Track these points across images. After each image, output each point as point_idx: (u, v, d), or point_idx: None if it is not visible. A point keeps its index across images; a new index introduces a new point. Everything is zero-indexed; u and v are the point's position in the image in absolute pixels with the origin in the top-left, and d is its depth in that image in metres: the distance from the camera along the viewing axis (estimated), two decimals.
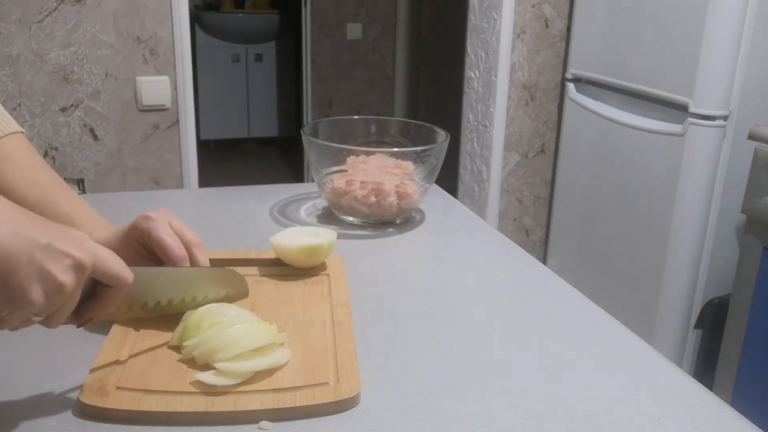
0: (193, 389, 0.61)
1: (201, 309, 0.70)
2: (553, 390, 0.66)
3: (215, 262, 0.88)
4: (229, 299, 0.76)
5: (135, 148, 2.11)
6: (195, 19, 4.45)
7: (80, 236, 0.55)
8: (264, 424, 0.59)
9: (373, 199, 1.05)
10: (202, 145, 4.28)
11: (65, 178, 2.05)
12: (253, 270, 0.87)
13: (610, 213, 2.12)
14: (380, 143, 1.19)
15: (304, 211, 1.15)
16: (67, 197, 0.78)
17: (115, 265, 0.57)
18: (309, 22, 3.82)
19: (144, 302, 0.68)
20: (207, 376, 0.62)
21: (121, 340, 0.68)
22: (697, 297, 1.87)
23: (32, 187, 0.77)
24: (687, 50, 1.77)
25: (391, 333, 0.76)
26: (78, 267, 0.53)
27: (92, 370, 0.63)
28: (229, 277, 0.78)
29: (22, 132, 0.82)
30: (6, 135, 0.79)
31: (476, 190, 2.60)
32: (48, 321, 0.55)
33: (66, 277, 0.52)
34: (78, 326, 0.60)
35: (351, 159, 1.06)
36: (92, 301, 0.58)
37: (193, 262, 0.74)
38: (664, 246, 1.88)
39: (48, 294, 0.52)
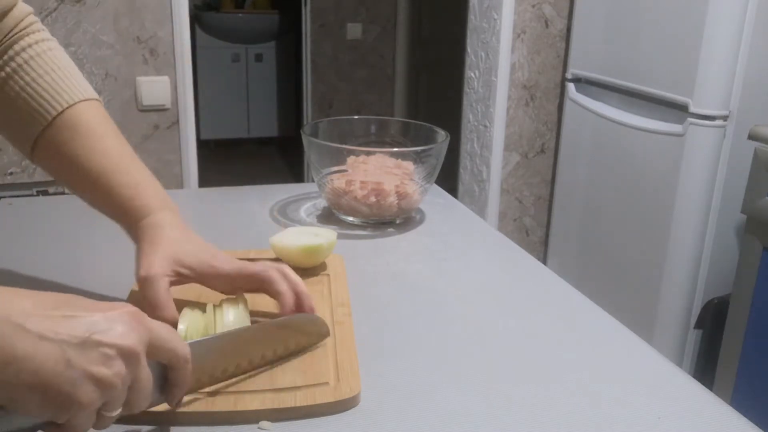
0: (193, 389, 0.61)
1: (200, 315, 0.69)
2: (552, 390, 0.66)
3: None
4: (308, 344, 0.69)
5: (135, 148, 2.09)
6: (195, 19, 4.45)
7: (128, 316, 0.50)
8: (264, 424, 0.59)
9: (373, 199, 1.05)
10: (202, 145, 4.28)
11: None
12: None
13: (610, 213, 2.12)
14: (380, 143, 1.19)
15: (304, 211, 1.14)
16: (134, 170, 0.76)
17: (171, 342, 0.53)
18: (309, 22, 3.82)
19: (210, 373, 0.61)
20: None
21: None
22: (697, 297, 1.87)
23: (97, 157, 0.74)
24: (687, 50, 1.77)
25: (391, 333, 0.76)
26: (125, 355, 0.48)
27: None
28: (307, 322, 0.70)
29: (98, 100, 0.78)
30: (78, 102, 0.75)
31: (476, 190, 2.60)
32: (127, 409, 0.51)
33: (112, 371, 0.47)
34: (175, 408, 0.57)
35: (351, 159, 1.06)
36: (167, 386, 0.55)
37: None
38: (664, 246, 1.88)
39: (101, 390, 0.47)
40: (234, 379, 0.63)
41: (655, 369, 0.71)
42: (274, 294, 0.71)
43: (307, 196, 1.21)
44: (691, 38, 1.76)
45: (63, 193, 2.05)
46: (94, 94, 0.78)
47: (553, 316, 0.81)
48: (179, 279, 0.71)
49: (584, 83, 2.26)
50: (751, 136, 1.60)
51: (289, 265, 0.86)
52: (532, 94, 2.47)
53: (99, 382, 0.47)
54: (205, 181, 2.33)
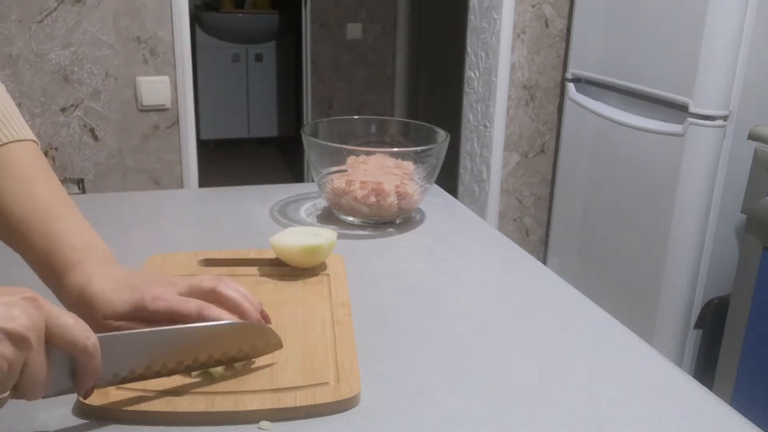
0: (193, 389, 0.61)
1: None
2: (552, 390, 0.66)
3: (215, 262, 0.88)
4: (254, 354, 0.66)
5: (135, 148, 2.11)
6: (195, 19, 4.45)
7: (24, 300, 0.50)
8: (264, 424, 0.59)
9: (373, 199, 1.05)
10: (202, 145, 4.28)
11: (65, 178, 2.05)
12: (253, 270, 0.87)
13: (610, 213, 2.12)
14: (380, 143, 1.19)
15: (304, 211, 1.14)
16: (60, 217, 0.67)
17: (71, 330, 0.52)
18: (309, 22, 3.82)
19: (131, 368, 0.59)
20: None
21: None
22: (697, 297, 1.87)
23: (23, 200, 0.67)
24: (687, 50, 1.77)
25: (391, 333, 0.76)
26: (12, 337, 0.47)
27: None
28: (251, 332, 0.66)
29: (34, 141, 0.72)
30: (11, 142, 0.70)
31: (476, 190, 2.60)
32: (20, 395, 0.51)
33: None
34: (83, 398, 0.57)
35: (351, 159, 1.06)
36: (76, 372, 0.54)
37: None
38: (664, 246, 1.88)
39: None
40: (233, 380, 0.63)
41: (655, 369, 0.71)
42: (231, 309, 0.67)
43: (307, 196, 1.21)
44: (691, 38, 1.76)
45: None
46: (31, 135, 0.72)
47: (553, 316, 0.81)
48: (126, 326, 0.65)
49: (584, 83, 2.26)
50: (751, 136, 1.60)
51: (289, 265, 0.87)
52: (532, 94, 2.47)
53: None
54: (205, 181, 2.33)
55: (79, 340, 0.52)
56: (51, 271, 0.66)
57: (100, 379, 0.56)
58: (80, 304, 0.64)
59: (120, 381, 0.58)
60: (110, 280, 0.65)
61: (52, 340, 0.51)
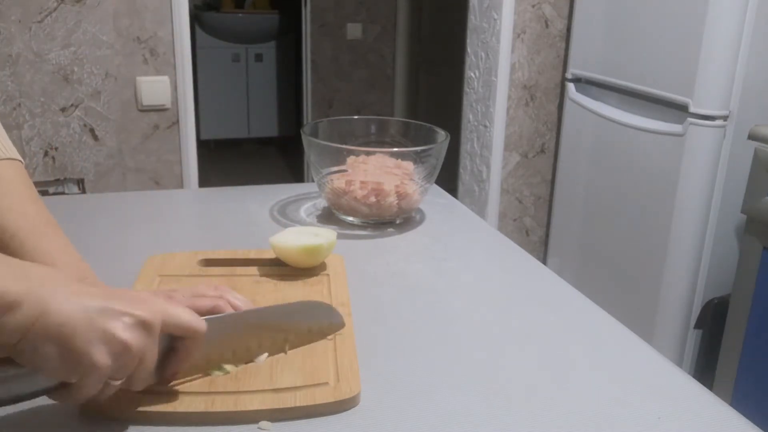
0: (193, 389, 0.61)
1: None
2: (552, 390, 0.66)
3: (215, 262, 0.88)
4: (321, 334, 0.70)
5: (135, 148, 2.11)
6: (195, 19, 4.45)
7: (145, 296, 0.56)
8: (264, 424, 0.59)
9: (373, 199, 1.05)
10: (202, 145, 4.28)
11: (65, 178, 2.05)
12: (253, 270, 0.87)
13: (610, 213, 2.12)
14: (380, 143, 1.19)
15: (304, 211, 1.14)
16: (51, 237, 0.70)
17: (185, 317, 0.57)
18: (309, 22, 3.82)
19: (221, 352, 0.64)
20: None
21: None
22: (697, 297, 1.87)
23: (16, 218, 0.69)
24: (687, 50, 1.77)
25: (391, 333, 0.76)
26: (142, 324, 0.53)
27: None
28: (319, 310, 0.72)
29: (21, 161, 0.75)
30: (2, 159, 0.72)
31: (476, 190, 2.60)
32: (129, 383, 0.55)
33: (129, 335, 0.52)
34: (163, 384, 0.60)
35: (351, 159, 1.06)
36: (172, 356, 0.58)
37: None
38: (664, 246, 1.88)
39: (115, 356, 0.52)
40: (233, 380, 0.63)
41: (655, 369, 0.71)
42: None
43: (307, 196, 1.21)
44: (691, 38, 1.76)
45: (62, 193, 2.05)
46: (17, 155, 0.75)
47: (553, 316, 0.81)
48: None
49: (584, 83, 2.26)
50: (751, 136, 1.60)
51: (289, 265, 0.87)
52: (532, 94, 2.47)
53: (115, 346, 0.51)
54: (205, 181, 2.33)
55: (196, 324, 0.58)
56: None
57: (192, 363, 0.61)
58: None
59: (208, 366, 0.63)
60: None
61: (168, 328, 0.56)
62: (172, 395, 0.60)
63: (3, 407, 0.54)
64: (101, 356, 0.51)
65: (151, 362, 0.55)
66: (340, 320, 0.72)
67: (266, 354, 0.66)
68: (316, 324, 0.70)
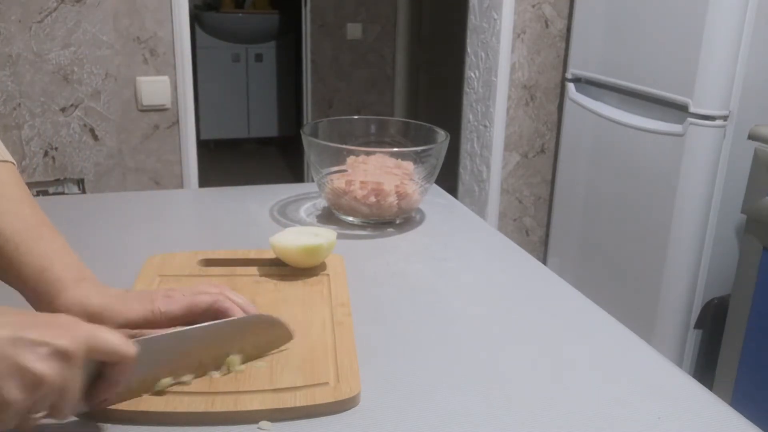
0: (193, 389, 0.61)
1: None
2: (552, 390, 0.66)
3: (215, 262, 0.88)
4: (267, 348, 0.68)
5: (135, 148, 2.11)
6: (195, 19, 4.45)
7: (67, 321, 0.52)
8: (264, 424, 0.59)
9: (373, 199, 1.05)
10: (202, 145, 4.28)
11: (65, 178, 2.05)
12: (253, 270, 0.87)
13: (610, 213, 2.12)
14: (380, 143, 1.19)
15: (304, 211, 1.14)
16: (47, 239, 0.68)
17: (113, 341, 0.54)
18: (309, 22, 3.82)
19: (156, 373, 0.60)
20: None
21: None
22: (697, 297, 1.87)
23: (11, 220, 0.67)
24: (687, 50, 1.77)
25: (391, 333, 0.76)
26: (60, 354, 0.49)
27: None
28: (264, 325, 0.68)
29: (13, 163, 0.73)
30: None
31: (476, 190, 2.60)
32: (54, 413, 0.51)
33: (43, 367, 0.48)
34: (92, 410, 0.57)
35: (351, 159, 1.06)
36: (100, 382, 0.55)
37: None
38: (664, 246, 1.88)
39: (28, 389, 0.48)
40: (233, 380, 0.63)
41: (655, 369, 0.71)
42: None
43: (307, 196, 1.21)
44: (691, 38, 1.76)
45: (62, 193, 2.05)
46: (10, 157, 0.74)
47: (553, 316, 0.81)
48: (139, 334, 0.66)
49: (584, 83, 2.26)
50: (751, 136, 1.60)
51: (289, 265, 0.87)
52: (532, 94, 2.47)
53: (27, 379, 0.47)
54: (205, 181, 2.33)
55: (123, 349, 0.54)
56: (44, 289, 0.65)
57: (124, 387, 0.57)
58: (84, 317, 0.63)
59: (143, 388, 0.60)
60: (110, 296, 0.66)
61: (92, 355, 0.52)
62: (172, 395, 0.60)
63: None
64: (13, 391, 0.47)
65: (73, 392, 0.51)
66: (287, 333, 0.69)
67: (217, 371, 0.64)
68: (263, 337, 0.67)
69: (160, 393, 0.60)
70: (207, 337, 0.64)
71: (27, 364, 0.47)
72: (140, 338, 0.58)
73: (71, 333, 0.51)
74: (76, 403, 0.52)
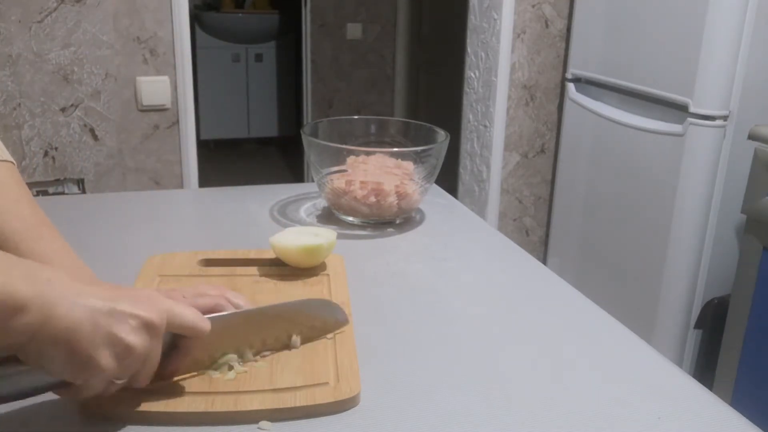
0: (193, 389, 0.61)
1: None
2: (552, 390, 0.66)
3: (215, 262, 0.88)
4: (324, 330, 0.71)
5: (135, 148, 2.11)
6: (195, 19, 4.45)
7: (149, 294, 0.56)
8: (264, 424, 0.59)
9: (373, 199, 1.05)
10: (202, 145, 4.28)
11: (65, 178, 2.05)
12: (253, 270, 0.87)
13: (610, 213, 2.12)
14: (380, 143, 1.19)
15: (304, 211, 1.14)
16: (47, 238, 0.69)
17: (190, 316, 0.58)
18: (309, 22, 3.82)
19: (223, 350, 0.64)
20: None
21: None
22: (697, 297, 1.87)
23: (11, 219, 0.68)
24: (687, 50, 1.77)
25: (391, 333, 0.76)
26: (147, 326, 0.53)
27: None
28: (323, 307, 0.72)
29: (12, 162, 0.74)
30: None
31: (476, 190, 2.60)
32: (133, 381, 0.55)
33: (134, 338, 0.52)
34: (163, 380, 0.60)
35: (351, 159, 1.06)
36: (173, 354, 0.59)
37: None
38: (664, 246, 1.88)
39: (119, 357, 0.52)
40: (233, 380, 0.63)
41: (655, 369, 0.71)
42: None
43: (307, 196, 1.21)
44: (691, 38, 1.76)
45: (62, 193, 2.05)
46: (9, 157, 0.74)
47: (553, 317, 0.81)
48: None
49: (584, 83, 2.26)
50: (751, 136, 1.60)
51: (289, 265, 0.87)
52: (532, 94, 2.47)
53: (119, 348, 0.52)
54: (205, 181, 2.33)
55: (200, 324, 0.58)
56: None
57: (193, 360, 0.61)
58: None
59: (209, 363, 0.63)
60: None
61: (172, 328, 0.56)
62: (172, 395, 0.60)
63: (6, 404, 0.54)
64: (106, 359, 0.51)
65: (155, 362, 0.55)
66: (344, 317, 0.73)
67: (269, 351, 0.67)
68: (320, 320, 0.71)
69: (150, 391, 0.60)
70: (271, 317, 0.68)
71: (120, 334, 0.52)
72: (212, 315, 0.62)
73: (156, 307, 0.54)
74: (153, 372, 0.56)
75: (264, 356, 0.67)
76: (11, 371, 0.51)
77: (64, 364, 0.50)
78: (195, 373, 0.63)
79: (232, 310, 0.68)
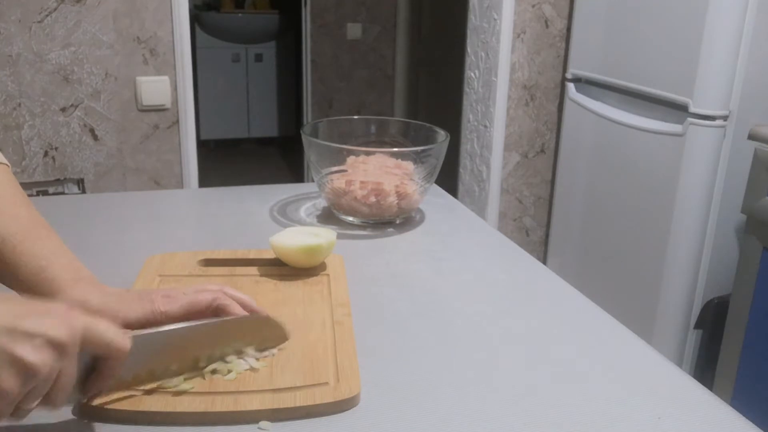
0: (193, 389, 0.61)
1: None
2: (552, 390, 0.66)
3: (215, 262, 0.88)
4: (263, 347, 0.68)
5: (135, 148, 2.11)
6: (195, 19, 4.45)
7: (64, 311, 0.52)
8: (264, 424, 0.59)
9: (373, 199, 1.05)
10: (202, 145, 4.28)
11: (65, 178, 2.05)
12: (253, 270, 0.87)
13: (610, 213, 2.12)
14: (380, 143, 1.19)
15: (304, 211, 1.14)
16: (44, 239, 0.68)
17: (108, 334, 0.54)
18: (309, 22, 3.82)
19: (150, 369, 0.61)
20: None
21: None
22: (697, 297, 1.87)
23: (7, 221, 0.67)
24: (687, 50, 1.77)
25: (391, 333, 0.76)
26: (53, 345, 0.49)
27: None
28: (259, 325, 0.69)
29: (7, 165, 0.74)
30: None
31: (476, 190, 2.60)
32: (47, 401, 0.52)
33: (37, 358, 0.48)
34: (85, 401, 0.58)
35: (351, 159, 1.06)
36: (94, 374, 0.55)
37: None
38: (664, 246, 1.88)
39: (22, 379, 0.48)
40: (233, 380, 0.63)
41: (655, 369, 0.71)
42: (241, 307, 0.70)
43: (307, 196, 1.21)
44: (691, 38, 1.76)
45: (62, 193, 2.05)
46: (4, 160, 0.74)
47: (553, 316, 0.81)
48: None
49: (584, 83, 2.26)
50: (751, 136, 1.60)
51: (289, 265, 0.87)
52: (532, 94, 2.47)
53: (22, 369, 0.48)
54: (205, 181, 2.33)
55: (117, 342, 0.54)
56: (41, 290, 0.65)
57: (117, 380, 0.57)
58: None
59: (136, 382, 0.60)
60: (109, 296, 0.66)
61: (87, 346, 0.52)
62: (172, 395, 0.60)
63: None
64: (7, 381, 0.48)
65: (67, 383, 0.52)
66: (283, 334, 0.69)
67: (213, 367, 0.64)
68: (257, 338, 0.67)
69: (150, 391, 0.60)
70: (202, 335, 0.64)
71: (21, 354, 0.48)
72: (136, 333, 0.59)
73: (67, 323, 0.51)
74: (69, 393, 0.53)
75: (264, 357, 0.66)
76: None
77: None
78: (123, 393, 0.60)
79: (230, 303, 0.67)
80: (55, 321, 0.50)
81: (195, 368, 0.64)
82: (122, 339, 0.55)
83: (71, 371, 0.51)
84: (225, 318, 0.66)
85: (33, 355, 0.48)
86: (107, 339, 0.54)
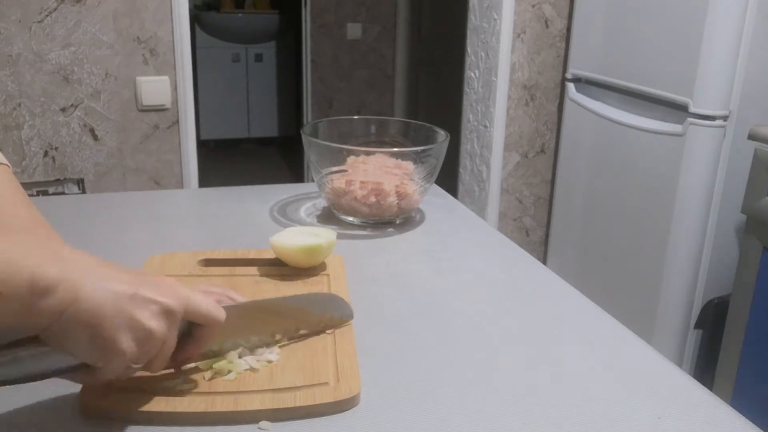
0: (193, 389, 0.61)
1: None
2: (552, 390, 0.66)
3: (215, 262, 0.88)
4: (332, 325, 0.73)
5: (135, 148, 2.11)
6: (195, 19, 4.45)
7: (170, 282, 0.57)
8: (264, 424, 0.59)
9: (373, 199, 1.05)
10: (202, 145, 4.29)
11: (65, 178, 2.06)
12: (253, 270, 0.87)
13: (610, 213, 2.12)
14: (380, 143, 1.19)
15: (304, 211, 1.14)
16: (46, 239, 0.68)
17: (207, 305, 0.59)
18: (309, 22, 3.82)
19: (234, 340, 0.66)
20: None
21: None
22: (697, 297, 1.87)
23: (8, 221, 0.68)
24: (687, 50, 1.77)
25: (391, 333, 0.76)
26: (167, 312, 0.54)
27: None
28: (330, 302, 0.74)
29: (8, 165, 0.74)
30: None
31: (476, 190, 2.60)
32: (148, 366, 0.56)
33: (155, 324, 0.53)
34: (175, 369, 0.62)
35: (351, 159, 1.06)
36: (188, 341, 0.59)
37: None
38: (664, 246, 1.88)
39: (139, 342, 0.53)
40: (233, 380, 0.63)
41: (655, 369, 0.71)
42: None
43: (307, 196, 1.21)
44: (691, 38, 1.76)
45: (62, 193, 2.05)
46: (5, 160, 0.74)
47: (553, 316, 0.81)
48: None
49: (584, 83, 2.26)
50: (751, 136, 1.60)
51: (289, 265, 0.87)
52: (532, 94, 2.47)
53: (140, 332, 0.53)
54: (205, 181, 2.33)
55: (215, 313, 0.59)
56: None
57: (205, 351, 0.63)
58: None
59: (221, 352, 0.65)
60: None
61: (188, 316, 0.57)
62: (172, 395, 0.60)
63: (16, 385, 0.54)
64: (127, 343, 0.52)
65: (170, 348, 0.56)
66: (349, 312, 0.74)
67: (278, 350, 0.68)
68: (327, 315, 0.72)
69: (150, 392, 0.60)
70: (283, 309, 0.69)
71: (141, 319, 0.53)
72: (226, 305, 0.63)
73: (175, 293, 0.55)
74: (167, 358, 0.57)
75: (283, 345, 0.69)
76: (28, 353, 0.51)
77: (86, 346, 0.51)
78: (199, 365, 0.64)
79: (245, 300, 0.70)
80: (166, 290, 0.55)
81: (271, 342, 0.68)
82: (218, 310, 0.59)
83: (174, 337, 0.56)
84: (304, 294, 0.75)
85: (152, 320, 0.53)
86: (206, 309, 0.58)
